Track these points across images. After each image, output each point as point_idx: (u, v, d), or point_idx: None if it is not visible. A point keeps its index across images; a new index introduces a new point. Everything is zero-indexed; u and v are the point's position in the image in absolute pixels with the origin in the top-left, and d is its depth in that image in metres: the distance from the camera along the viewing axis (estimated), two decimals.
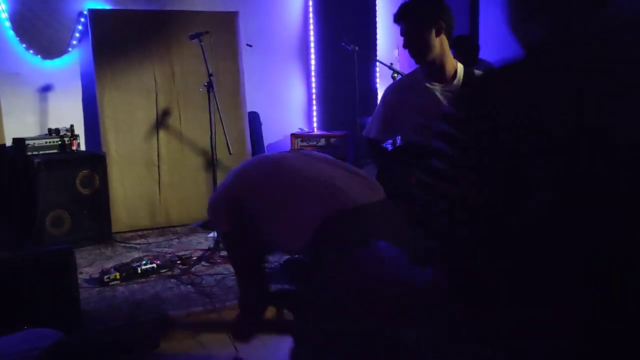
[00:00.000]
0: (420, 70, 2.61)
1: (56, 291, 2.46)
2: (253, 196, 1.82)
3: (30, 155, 4.31)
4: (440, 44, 2.45)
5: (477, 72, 2.60)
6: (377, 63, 6.11)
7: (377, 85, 6.38)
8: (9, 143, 4.53)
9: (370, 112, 6.24)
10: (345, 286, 1.58)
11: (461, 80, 2.52)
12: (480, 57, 5.01)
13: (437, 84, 2.52)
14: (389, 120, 2.72)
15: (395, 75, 4.60)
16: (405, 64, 6.15)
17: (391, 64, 4.68)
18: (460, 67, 2.56)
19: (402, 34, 2.50)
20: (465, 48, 4.96)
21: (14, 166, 4.43)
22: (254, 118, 5.68)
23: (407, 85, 2.68)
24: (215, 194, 1.93)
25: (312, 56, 6.17)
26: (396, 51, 6.48)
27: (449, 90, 2.49)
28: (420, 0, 2.47)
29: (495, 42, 5.17)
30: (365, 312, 1.51)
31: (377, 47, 6.37)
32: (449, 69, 2.52)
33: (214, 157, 4.29)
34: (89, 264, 4.05)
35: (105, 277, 3.63)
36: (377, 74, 6.36)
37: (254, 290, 1.94)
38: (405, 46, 2.50)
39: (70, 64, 4.99)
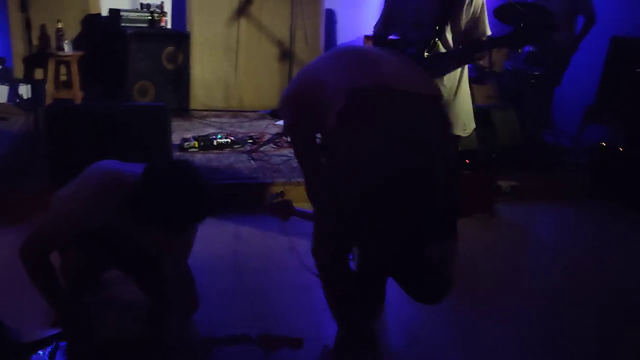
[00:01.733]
0: None
1: (152, 142, 2.83)
2: (314, 83, 1.94)
3: (123, 26, 4.63)
4: None
5: None
6: None
7: None
8: (104, 13, 4.86)
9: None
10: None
11: None
12: None
13: None
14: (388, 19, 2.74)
15: None
16: None
17: None
18: None
19: None
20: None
21: (108, 34, 4.78)
22: (329, 16, 5.78)
23: None
24: (287, 89, 2.05)
25: None
26: None
27: None
28: None
29: None
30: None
31: None
32: None
33: (292, 47, 4.48)
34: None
35: (185, 143, 4.03)
36: None
37: (313, 176, 2.09)
38: None
39: None
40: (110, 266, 2.18)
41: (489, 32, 2.47)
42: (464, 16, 2.43)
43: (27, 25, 3.16)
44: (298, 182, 3.69)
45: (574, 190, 4.40)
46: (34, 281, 1.85)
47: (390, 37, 2.66)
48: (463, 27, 2.44)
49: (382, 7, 2.77)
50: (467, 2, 2.40)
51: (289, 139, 4.47)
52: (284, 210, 2.56)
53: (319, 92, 1.83)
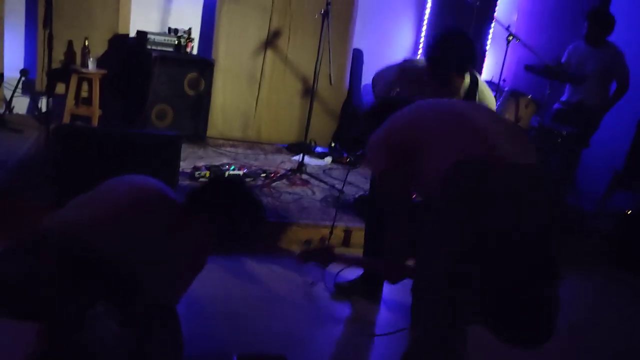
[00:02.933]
0: None
1: (162, 169, 2.74)
2: (412, 135, 1.92)
3: (149, 48, 4.63)
4: None
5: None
6: (493, 24, 5.95)
7: (487, 47, 6.22)
8: (132, 34, 4.88)
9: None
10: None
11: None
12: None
13: None
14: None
15: (511, 37, 4.48)
16: (523, 29, 5.94)
17: (509, 25, 4.54)
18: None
19: None
20: (601, 22, 4.73)
21: (133, 56, 4.78)
22: (357, 56, 5.74)
23: None
24: (382, 132, 2.02)
25: (429, 4, 6.07)
26: (515, 15, 6.26)
27: None
28: None
29: (625, 22, 4.89)
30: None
31: (497, 7, 6.17)
32: None
33: (315, 85, 4.42)
34: (183, 159, 4.34)
35: (197, 172, 3.94)
36: (490, 35, 6.19)
37: (401, 231, 2.07)
38: None
39: None
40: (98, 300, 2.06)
41: None
42: None
43: (50, 40, 3.15)
44: (306, 224, 3.58)
45: (591, 258, 4.21)
46: None
47: None
48: None
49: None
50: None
51: (305, 175, 4.39)
52: (324, 256, 2.47)
53: (419, 149, 1.85)
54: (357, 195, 4.13)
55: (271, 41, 5.14)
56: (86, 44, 4.55)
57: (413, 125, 1.94)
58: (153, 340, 1.98)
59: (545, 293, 1.88)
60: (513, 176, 1.72)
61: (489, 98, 2.96)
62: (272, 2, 5.08)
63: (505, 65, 4.86)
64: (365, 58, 5.85)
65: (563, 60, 5.04)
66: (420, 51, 6.21)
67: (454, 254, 1.72)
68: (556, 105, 5.16)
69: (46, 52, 3.36)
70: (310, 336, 2.56)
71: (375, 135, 2.03)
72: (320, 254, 2.47)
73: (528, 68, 4.82)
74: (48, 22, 3.15)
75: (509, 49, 4.77)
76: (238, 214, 1.95)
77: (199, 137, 4.95)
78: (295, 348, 2.42)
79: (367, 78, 5.93)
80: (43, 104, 4.88)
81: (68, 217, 1.81)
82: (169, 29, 4.87)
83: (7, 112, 4.58)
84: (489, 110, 2.02)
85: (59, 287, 1.73)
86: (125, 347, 2.03)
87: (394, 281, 2.41)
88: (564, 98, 5.12)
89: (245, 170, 4.14)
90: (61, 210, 1.88)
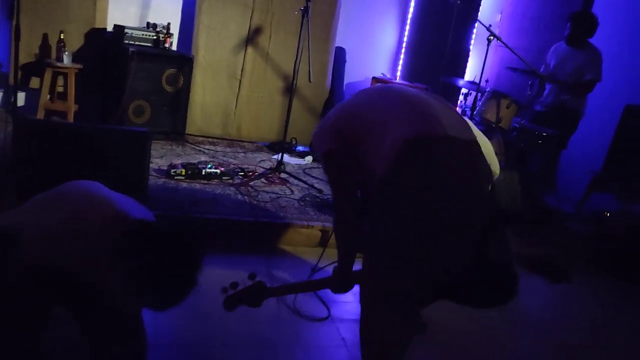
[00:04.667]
0: None
1: (130, 166, 2.67)
2: (357, 120, 1.91)
3: (126, 43, 4.54)
4: None
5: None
6: (476, 25, 5.93)
7: (471, 47, 6.21)
8: (109, 28, 4.79)
9: (457, 73, 6.12)
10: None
11: None
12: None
13: None
14: None
15: (492, 37, 4.45)
16: (505, 31, 5.94)
17: (490, 25, 4.51)
18: None
19: None
20: (583, 24, 4.73)
21: (110, 50, 4.69)
22: (339, 53, 5.70)
23: None
24: (327, 119, 2.02)
25: (412, 3, 6.04)
26: (499, 16, 6.25)
27: None
28: None
29: (607, 27, 4.90)
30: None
31: (480, 7, 6.16)
32: None
33: (294, 82, 4.37)
34: (160, 157, 4.31)
35: (172, 170, 3.87)
36: (474, 35, 6.18)
37: (348, 213, 2.03)
38: None
39: None
40: (55, 302, 1.98)
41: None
42: None
43: (17, 32, 3.06)
44: (283, 224, 3.52)
45: (571, 260, 4.21)
46: None
47: None
48: None
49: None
50: None
51: (283, 174, 4.33)
52: (253, 295, 2.29)
53: (366, 131, 1.84)
54: None
55: (252, 38, 5.07)
56: (62, 37, 4.44)
57: (359, 108, 1.94)
58: (113, 349, 1.91)
59: (492, 255, 2.03)
60: (457, 150, 1.75)
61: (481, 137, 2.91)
62: (253, 0, 5.02)
63: (487, 66, 4.84)
64: (348, 56, 5.81)
65: (544, 65, 5.04)
66: (403, 50, 6.19)
67: (405, 231, 1.73)
68: (537, 107, 5.16)
69: (15, 46, 3.25)
70: (278, 337, 2.50)
71: (322, 119, 2.03)
72: (248, 295, 2.29)
73: (511, 69, 4.82)
74: (16, 14, 3.05)
75: (492, 50, 4.76)
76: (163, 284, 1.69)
77: (178, 133, 4.87)
78: (265, 350, 2.37)
79: (349, 76, 5.90)
80: (19, 98, 4.76)
81: (24, 221, 1.73)
82: (148, 23, 4.78)
83: None
84: (428, 92, 2.01)
85: (13, 290, 1.66)
86: (85, 353, 1.97)
87: (345, 289, 2.37)
88: (545, 99, 5.11)
89: (222, 169, 4.08)
90: (18, 209, 1.81)
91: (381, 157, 1.76)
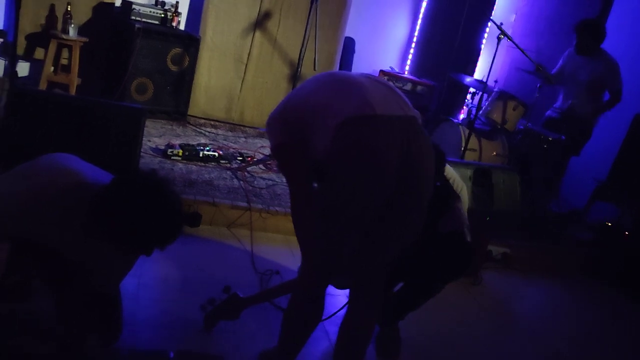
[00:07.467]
0: None
1: (120, 145, 2.64)
2: (303, 110, 1.89)
3: (133, 19, 4.50)
4: None
5: None
6: (489, 25, 5.84)
7: (482, 46, 6.11)
8: (118, 3, 4.74)
9: (467, 71, 6.02)
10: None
11: None
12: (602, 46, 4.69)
13: None
14: None
15: (502, 36, 4.36)
16: (519, 32, 5.84)
17: (501, 23, 4.41)
18: None
19: None
20: (587, 33, 4.64)
21: (117, 26, 4.64)
22: (348, 44, 5.63)
23: None
24: (275, 110, 1.99)
25: None
26: (513, 16, 6.15)
27: None
28: None
29: (622, 34, 4.80)
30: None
31: (495, 6, 6.06)
32: None
33: (299, 69, 4.31)
34: (159, 136, 4.27)
35: (169, 150, 3.83)
36: (486, 35, 6.08)
37: (303, 199, 2.00)
38: None
39: None
40: (32, 274, 1.96)
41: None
42: None
43: (18, 2, 3.02)
44: (276, 210, 3.48)
45: (569, 267, 4.16)
46: None
47: None
48: None
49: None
50: None
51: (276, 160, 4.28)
52: (230, 308, 2.26)
53: (310, 117, 1.85)
54: None
55: (261, 22, 5.01)
56: (69, 9, 4.40)
57: (305, 96, 1.92)
58: (87, 323, 1.89)
59: (442, 226, 2.29)
60: (387, 128, 1.76)
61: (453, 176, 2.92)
62: None
63: (498, 66, 4.77)
64: (357, 47, 5.74)
65: (557, 67, 4.96)
66: (413, 45, 6.11)
67: (331, 206, 1.77)
68: (548, 112, 5.07)
69: (24, 15, 3.20)
70: (259, 326, 2.47)
71: (273, 111, 2.00)
72: (225, 309, 2.26)
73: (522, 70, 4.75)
74: None
75: (504, 51, 4.68)
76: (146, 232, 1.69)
77: (180, 114, 4.83)
78: (245, 342, 2.34)
79: (357, 68, 5.83)
80: (23, 68, 4.74)
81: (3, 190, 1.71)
82: (156, 1, 4.73)
83: None
84: (368, 75, 1.97)
85: None
86: (61, 327, 1.94)
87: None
88: (556, 105, 5.03)
89: (220, 152, 4.04)
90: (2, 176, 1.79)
91: (325, 137, 1.78)
